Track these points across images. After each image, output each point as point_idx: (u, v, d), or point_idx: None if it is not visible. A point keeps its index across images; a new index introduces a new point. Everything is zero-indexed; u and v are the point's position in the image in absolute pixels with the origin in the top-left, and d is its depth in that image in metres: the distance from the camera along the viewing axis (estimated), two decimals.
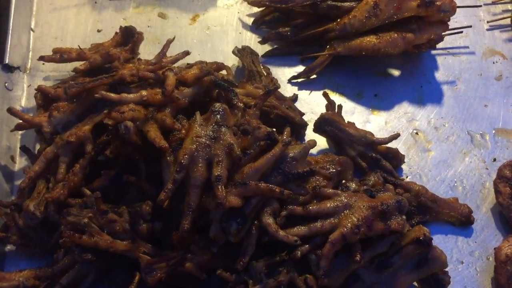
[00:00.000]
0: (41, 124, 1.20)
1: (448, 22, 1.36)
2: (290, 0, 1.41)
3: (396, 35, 1.34)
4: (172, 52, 1.34)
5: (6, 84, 1.36)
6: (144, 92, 1.14)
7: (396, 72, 1.43)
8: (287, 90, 1.40)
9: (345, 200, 1.05)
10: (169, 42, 1.31)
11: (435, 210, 1.17)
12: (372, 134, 1.25)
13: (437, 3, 1.31)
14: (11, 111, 1.20)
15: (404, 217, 1.05)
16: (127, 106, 1.12)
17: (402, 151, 1.29)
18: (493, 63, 1.44)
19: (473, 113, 1.36)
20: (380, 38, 1.34)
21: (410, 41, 1.34)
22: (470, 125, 1.33)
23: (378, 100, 1.38)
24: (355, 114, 1.36)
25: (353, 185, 1.14)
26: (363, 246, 1.03)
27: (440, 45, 1.45)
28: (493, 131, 1.32)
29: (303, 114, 1.30)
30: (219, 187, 0.98)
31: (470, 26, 1.47)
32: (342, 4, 1.39)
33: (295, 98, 1.39)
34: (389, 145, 1.26)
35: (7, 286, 1.04)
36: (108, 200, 1.10)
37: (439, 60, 1.45)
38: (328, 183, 1.11)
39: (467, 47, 1.48)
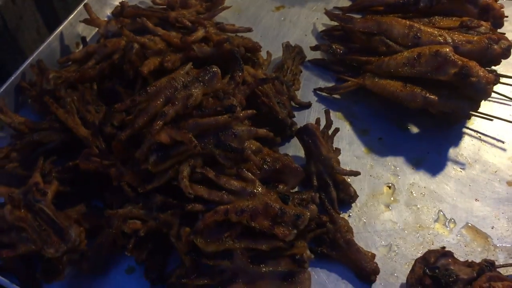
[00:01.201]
0: (99, 25, 1.48)
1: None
2: (352, 22, 1.48)
3: (419, 90, 1.32)
4: (243, 25, 1.53)
5: None
6: (169, 32, 1.34)
7: (414, 130, 1.41)
8: (308, 97, 1.47)
9: (254, 189, 1.12)
10: (222, 8, 1.48)
11: (344, 251, 1.17)
12: (337, 161, 1.28)
13: (472, 78, 1.26)
14: (86, 6, 1.50)
15: (294, 231, 1.09)
16: (150, 36, 1.34)
17: (363, 194, 1.28)
18: None
19: (460, 200, 1.28)
20: (404, 87, 1.34)
21: (432, 103, 1.31)
22: (445, 207, 1.26)
23: (379, 144, 1.38)
24: (349, 145, 1.38)
25: (281, 188, 1.20)
26: (249, 236, 1.10)
27: (474, 125, 1.38)
28: (464, 224, 1.24)
29: (293, 116, 1.37)
30: (159, 121, 1.13)
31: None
32: (393, 44, 1.41)
33: (308, 105, 1.46)
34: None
35: (4, 119, 1.34)
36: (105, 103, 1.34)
37: (465, 139, 1.38)
38: (259, 173, 1.19)
39: (502, 141, 1.38)
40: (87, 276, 1.17)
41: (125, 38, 1.33)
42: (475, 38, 1.35)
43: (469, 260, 1.13)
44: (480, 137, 1.39)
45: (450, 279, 1.06)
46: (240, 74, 1.31)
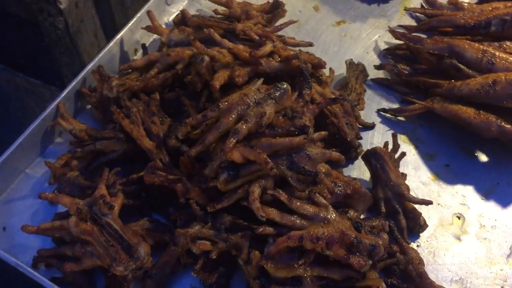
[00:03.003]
0: (162, 34, 1.45)
1: None
2: (422, 43, 1.44)
3: (494, 119, 1.28)
4: (303, 38, 1.49)
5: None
6: (237, 45, 1.31)
7: (483, 158, 1.36)
8: (371, 118, 1.43)
9: (328, 215, 1.09)
10: (290, 22, 1.45)
11: (416, 284, 1.12)
12: (407, 188, 1.23)
13: None
14: (149, 14, 1.47)
15: (370, 262, 1.05)
16: (219, 48, 1.31)
17: (431, 224, 1.24)
18: None
19: None
20: (478, 115, 1.30)
21: (506, 133, 1.27)
22: None
23: (446, 171, 1.33)
24: (415, 170, 1.34)
25: (351, 214, 1.16)
26: (321, 263, 1.07)
27: None
28: None
29: (360, 137, 1.33)
30: (232, 139, 1.10)
31: None
32: (465, 68, 1.36)
33: (372, 126, 1.41)
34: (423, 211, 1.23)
35: (65, 125, 1.31)
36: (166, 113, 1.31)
37: None
38: (330, 198, 1.15)
39: None
40: None
41: (194, 49, 1.30)
42: None
43: None
44: None
45: None
46: (308, 92, 1.27)
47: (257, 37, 1.36)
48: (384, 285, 1.06)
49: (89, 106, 1.41)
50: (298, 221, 1.09)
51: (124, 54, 1.51)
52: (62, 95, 1.35)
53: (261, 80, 1.23)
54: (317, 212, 1.09)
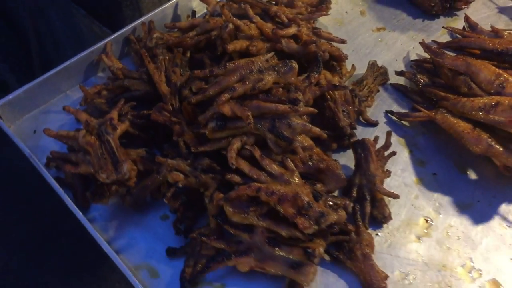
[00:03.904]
0: (209, 3, 1.63)
1: None
2: (442, 57, 1.49)
3: (486, 136, 1.31)
4: (341, 36, 1.59)
5: None
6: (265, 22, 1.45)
7: (472, 175, 1.39)
8: (378, 117, 1.51)
9: (291, 179, 1.19)
10: (321, 14, 1.57)
11: (358, 263, 1.19)
12: (381, 181, 1.30)
13: None
14: None
15: (315, 226, 1.14)
16: (247, 21, 1.46)
17: (398, 219, 1.30)
18: None
19: (494, 255, 1.24)
20: (472, 130, 1.33)
21: (495, 153, 1.30)
22: (477, 257, 1.24)
23: (431, 178, 1.38)
24: (401, 171, 1.39)
25: (318, 187, 1.25)
26: (272, 218, 1.17)
27: None
28: (490, 278, 1.20)
29: (355, 127, 1.41)
30: (226, 94, 1.24)
31: None
32: (476, 87, 1.40)
33: (375, 123, 1.49)
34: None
35: (106, 61, 1.53)
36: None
37: None
38: (302, 167, 1.25)
39: None
40: (127, 211, 1.30)
41: (224, 17, 1.46)
42: None
43: None
44: None
45: None
46: (316, 75, 1.38)
47: (286, 20, 1.49)
48: (322, 249, 1.14)
49: (132, 53, 1.62)
50: (263, 177, 1.20)
51: (177, 17, 1.71)
52: (112, 37, 1.57)
53: (272, 53, 1.36)
54: (282, 173, 1.20)
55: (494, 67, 1.40)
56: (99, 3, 1.90)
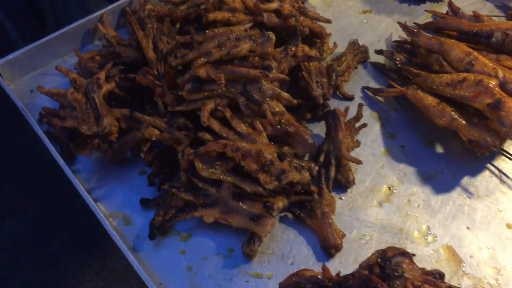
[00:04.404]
0: None
1: None
2: (418, 36, 1.55)
3: (450, 110, 1.36)
4: (328, 16, 1.65)
5: None
6: None
7: (439, 149, 1.44)
8: (355, 92, 1.57)
9: (257, 138, 1.27)
10: None
11: (317, 221, 1.26)
12: (347, 148, 1.37)
13: (502, 112, 1.28)
14: None
15: (276, 182, 1.21)
16: None
17: (362, 186, 1.36)
18: None
19: (452, 222, 1.30)
20: (438, 104, 1.39)
21: (458, 126, 1.35)
22: (434, 223, 1.30)
23: (399, 150, 1.44)
24: (371, 142, 1.46)
25: (285, 149, 1.32)
26: (238, 174, 1.25)
27: (500, 164, 1.39)
28: (444, 243, 1.26)
29: (328, 98, 1.48)
30: (203, 58, 1.33)
31: None
32: (447, 65, 1.45)
33: (351, 98, 1.55)
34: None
35: (101, 29, 1.63)
36: None
37: (485, 173, 1.39)
38: (270, 129, 1.33)
39: None
40: (109, 166, 1.40)
41: None
42: None
43: (426, 269, 1.17)
44: (501, 176, 1.38)
45: (395, 273, 1.12)
46: (292, 47, 1.46)
47: None
48: (280, 204, 1.21)
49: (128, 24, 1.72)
50: (231, 135, 1.29)
51: None
52: (109, 8, 1.67)
53: (251, 24, 1.44)
54: (250, 133, 1.28)
55: (465, 46, 1.46)
56: None
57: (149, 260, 1.23)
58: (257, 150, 1.24)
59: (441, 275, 1.13)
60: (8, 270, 2.46)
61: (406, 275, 1.12)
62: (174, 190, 1.28)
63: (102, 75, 1.42)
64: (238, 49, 1.34)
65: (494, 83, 1.33)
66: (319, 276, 1.11)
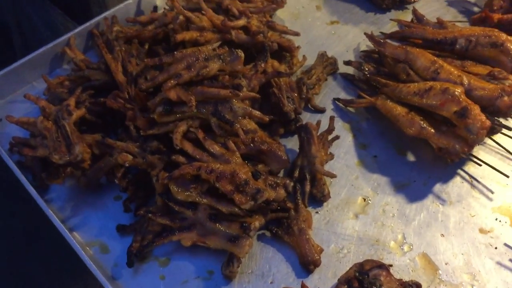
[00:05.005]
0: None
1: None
2: (384, 46, 1.57)
3: (419, 119, 1.39)
4: (297, 29, 1.67)
5: None
6: (216, 15, 1.54)
7: (411, 157, 1.47)
8: (326, 104, 1.58)
9: (231, 158, 1.27)
10: (273, 8, 1.65)
11: (295, 237, 1.27)
12: (321, 162, 1.38)
13: (468, 120, 1.31)
14: None
15: (251, 202, 1.22)
16: (199, 13, 1.55)
17: (338, 198, 1.38)
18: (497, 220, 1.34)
19: (426, 230, 1.32)
20: (407, 114, 1.41)
21: (427, 134, 1.38)
22: (409, 232, 1.32)
23: (372, 160, 1.46)
24: (344, 154, 1.47)
25: (260, 167, 1.33)
26: (213, 196, 1.26)
27: (470, 170, 1.42)
28: (420, 252, 1.28)
29: (300, 113, 1.49)
30: (172, 80, 1.33)
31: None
32: (413, 74, 1.48)
33: (322, 110, 1.57)
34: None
35: (69, 53, 1.62)
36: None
37: (456, 180, 1.42)
38: (244, 148, 1.33)
39: (492, 191, 1.39)
40: (83, 193, 1.39)
41: (175, 10, 1.55)
42: (490, 86, 1.39)
43: (403, 280, 1.19)
44: (471, 181, 1.41)
45: (373, 287, 1.13)
46: (262, 64, 1.47)
47: (237, 12, 1.58)
48: (257, 223, 1.22)
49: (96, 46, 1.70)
50: (205, 157, 1.29)
51: (140, 12, 1.79)
52: (76, 31, 1.66)
53: (218, 43, 1.45)
54: (223, 153, 1.29)
55: (430, 55, 1.49)
56: (70, 0, 1.99)
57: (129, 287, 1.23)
58: (231, 170, 1.24)
59: (417, 286, 1.15)
60: None
61: (384, 287, 1.13)
62: (150, 215, 1.27)
63: (72, 101, 1.41)
64: (208, 69, 1.35)
65: (459, 91, 1.36)
66: None
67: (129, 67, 1.50)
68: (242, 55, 1.41)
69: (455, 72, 1.43)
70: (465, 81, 1.41)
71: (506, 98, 1.35)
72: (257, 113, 1.34)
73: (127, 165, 1.30)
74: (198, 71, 1.34)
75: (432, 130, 1.37)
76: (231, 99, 1.32)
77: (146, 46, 1.60)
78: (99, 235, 1.31)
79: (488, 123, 1.30)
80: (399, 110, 1.43)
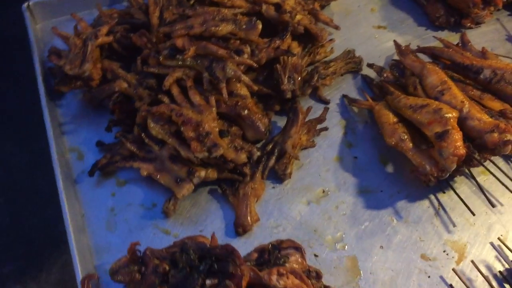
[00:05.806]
0: None
1: None
2: (405, 56, 1.54)
3: (401, 132, 1.36)
4: (342, 24, 1.72)
5: None
6: None
7: (389, 168, 1.44)
8: (335, 98, 1.60)
9: (206, 111, 1.36)
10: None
11: (237, 200, 1.33)
12: (294, 144, 1.41)
13: (444, 143, 1.26)
14: None
15: (206, 153, 1.29)
16: None
17: (299, 183, 1.40)
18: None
19: (367, 238, 1.30)
20: (394, 124, 1.39)
21: (403, 148, 1.35)
22: (350, 234, 1.31)
23: (350, 160, 1.45)
24: (326, 146, 1.48)
25: (232, 129, 1.40)
26: (180, 139, 1.35)
27: (441, 197, 1.36)
28: (350, 254, 1.27)
29: (297, 94, 1.51)
30: (183, 29, 1.44)
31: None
32: (420, 89, 1.45)
33: (326, 102, 1.58)
34: None
35: None
36: None
37: (423, 203, 1.37)
38: (224, 107, 1.41)
39: (454, 224, 1.32)
40: (86, 107, 1.56)
41: None
42: (487, 120, 1.31)
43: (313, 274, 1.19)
44: (439, 209, 1.35)
45: (277, 262, 1.16)
46: (278, 41, 1.52)
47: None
48: (203, 173, 1.30)
49: None
50: (184, 103, 1.39)
51: None
52: None
53: (242, 10, 1.53)
54: (200, 104, 1.38)
55: (443, 74, 1.44)
56: None
57: (83, 192, 1.38)
58: (198, 120, 1.33)
59: (318, 274, 1.15)
60: None
61: (287, 265, 1.15)
62: (123, 139, 1.41)
63: (104, 28, 1.58)
64: (218, 28, 1.44)
65: (452, 115, 1.31)
66: (208, 244, 1.18)
67: (165, 14, 1.64)
68: (260, 26, 1.48)
69: (460, 97, 1.37)
70: (466, 108, 1.35)
71: (495, 134, 1.27)
72: (246, 78, 1.41)
73: (117, 89, 1.44)
74: (207, 27, 1.44)
75: (410, 145, 1.34)
76: (226, 59, 1.40)
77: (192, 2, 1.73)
78: (82, 144, 1.48)
79: (462, 152, 1.24)
80: (388, 118, 1.41)
